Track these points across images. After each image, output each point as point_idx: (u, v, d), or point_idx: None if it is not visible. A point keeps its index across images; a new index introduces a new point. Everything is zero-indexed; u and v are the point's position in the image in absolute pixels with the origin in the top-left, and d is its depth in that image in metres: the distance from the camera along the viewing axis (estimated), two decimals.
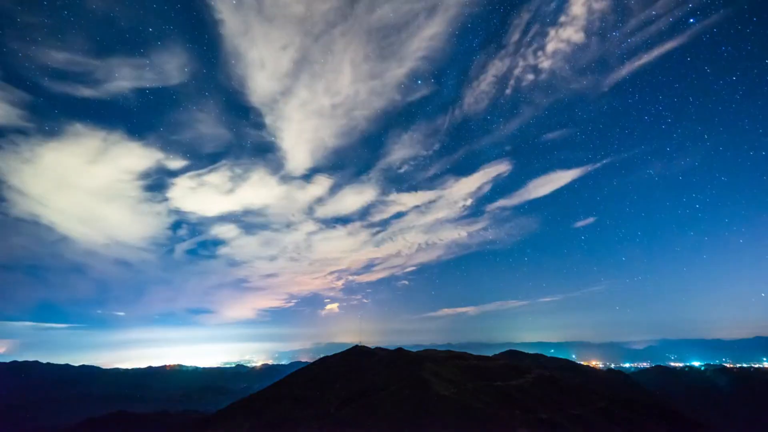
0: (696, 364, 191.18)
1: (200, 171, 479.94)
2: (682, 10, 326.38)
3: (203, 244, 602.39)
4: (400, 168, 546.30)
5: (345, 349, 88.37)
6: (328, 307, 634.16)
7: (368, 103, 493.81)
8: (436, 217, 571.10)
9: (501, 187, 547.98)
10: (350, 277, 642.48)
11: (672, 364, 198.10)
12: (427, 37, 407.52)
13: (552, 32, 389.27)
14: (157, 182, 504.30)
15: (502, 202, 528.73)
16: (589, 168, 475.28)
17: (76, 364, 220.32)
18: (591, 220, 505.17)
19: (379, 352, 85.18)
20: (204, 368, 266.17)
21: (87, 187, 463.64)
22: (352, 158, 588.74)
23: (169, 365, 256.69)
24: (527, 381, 62.87)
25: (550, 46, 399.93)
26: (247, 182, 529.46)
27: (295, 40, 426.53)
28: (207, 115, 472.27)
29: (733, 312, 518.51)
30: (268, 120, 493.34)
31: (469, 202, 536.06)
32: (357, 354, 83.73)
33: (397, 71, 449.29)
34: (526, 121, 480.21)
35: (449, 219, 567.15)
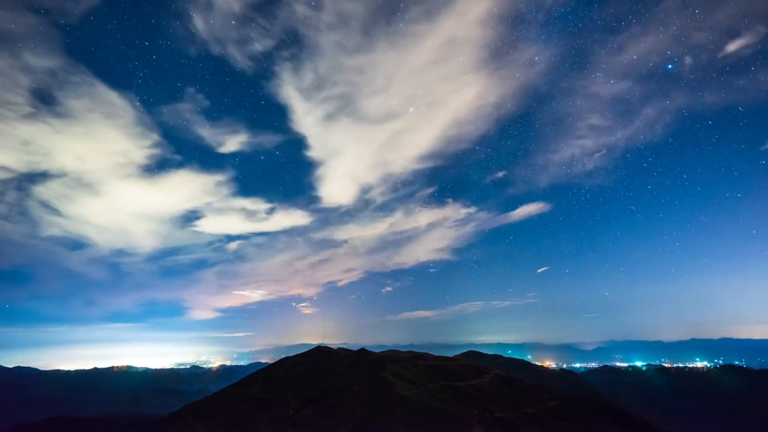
0: (639, 364, 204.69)
1: None
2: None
3: None
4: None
5: (307, 349, 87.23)
6: (295, 304, 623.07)
7: None
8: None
9: None
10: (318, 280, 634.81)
11: (618, 364, 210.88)
12: None
13: None
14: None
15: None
16: None
17: (10, 366, 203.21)
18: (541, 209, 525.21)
19: (341, 352, 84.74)
20: (156, 369, 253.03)
21: None
22: None
23: (117, 366, 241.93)
24: (485, 381, 64.75)
25: None
26: None
27: None
28: None
29: (672, 316, 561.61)
30: None
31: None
32: (319, 355, 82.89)
33: None
34: None
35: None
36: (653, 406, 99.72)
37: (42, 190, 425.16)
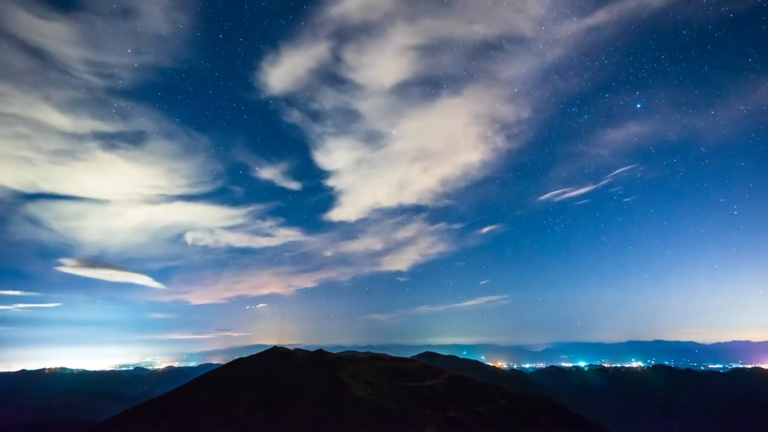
0: (582, 364, 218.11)
1: None
2: None
3: None
4: None
5: (263, 350, 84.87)
6: (249, 308, 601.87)
7: None
8: None
9: None
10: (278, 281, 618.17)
11: (563, 364, 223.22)
12: None
13: None
14: None
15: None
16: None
17: None
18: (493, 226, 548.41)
19: (298, 353, 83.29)
20: (94, 371, 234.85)
21: None
22: None
23: (50, 368, 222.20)
24: (440, 381, 66.32)
25: None
26: None
27: None
28: None
29: (612, 320, 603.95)
30: None
31: None
32: (275, 355, 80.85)
33: None
34: None
35: None
36: (592, 404, 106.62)
37: None
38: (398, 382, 63.30)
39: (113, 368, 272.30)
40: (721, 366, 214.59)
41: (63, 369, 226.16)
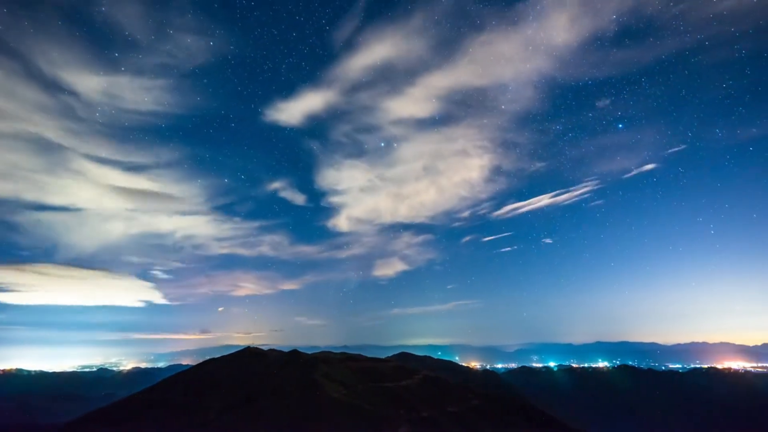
0: (552, 364, 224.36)
1: None
2: None
3: None
4: None
5: (235, 351, 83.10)
6: (221, 309, 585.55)
7: None
8: None
9: None
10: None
11: (534, 364, 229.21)
12: None
13: None
14: None
15: None
16: None
17: None
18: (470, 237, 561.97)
19: (272, 353, 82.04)
20: (54, 373, 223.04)
21: None
22: None
23: (5, 369, 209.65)
24: (414, 381, 66.80)
25: None
26: None
27: None
28: None
29: (581, 321, 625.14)
30: None
31: None
32: (248, 356, 79.33)
33: None
34: None
35: None
36: (561, 403, 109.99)
37: None
38: (372, 382, 63.38)
39: (75, 369, 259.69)
40: (680, 366, 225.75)
41: (19, 370, 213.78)
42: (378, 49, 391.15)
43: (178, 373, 74.88)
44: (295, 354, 78.66)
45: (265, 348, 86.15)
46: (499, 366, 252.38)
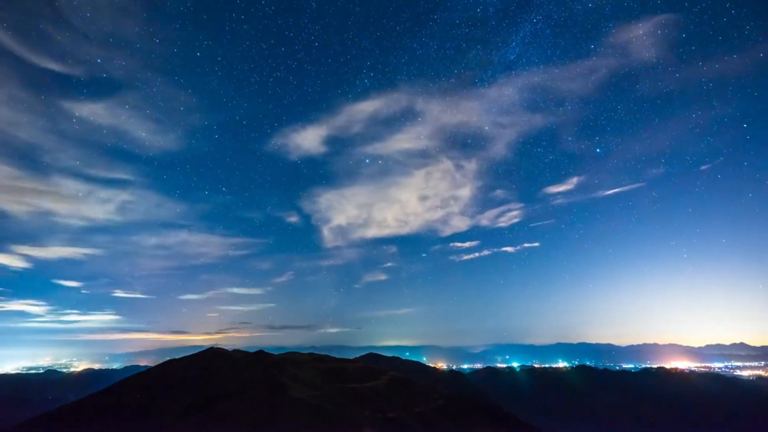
0: (515, 365, 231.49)
1: None
2: None
3: None
4: None
5: (198, 351, 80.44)
6: (187, 307, 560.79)
7: None
8: None
9: None
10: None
11: (498, 365, 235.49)
12: None
13: None
14: None
15: None
16: None
17: None
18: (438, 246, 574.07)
19: (236, 354, 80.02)
20: None
21: None
22: None
23: None
24: (381, 382, 67.15)
25: None
26: None
27: None
28: None
29: (543, 322, 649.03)
30: None
31: None
32: (211, 357, 76.98)
33: None
34: None
35: None
36: (522, 402, 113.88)
37: None
38: (339, 383, 63.18)
39: (19, 371, 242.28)
40: (633, 366, 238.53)
41: None
42: None
43: (135, 375, 71.62)
44: (261, 355, 77.21)
45: (229, 349, 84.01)
46: (465, 366, 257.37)
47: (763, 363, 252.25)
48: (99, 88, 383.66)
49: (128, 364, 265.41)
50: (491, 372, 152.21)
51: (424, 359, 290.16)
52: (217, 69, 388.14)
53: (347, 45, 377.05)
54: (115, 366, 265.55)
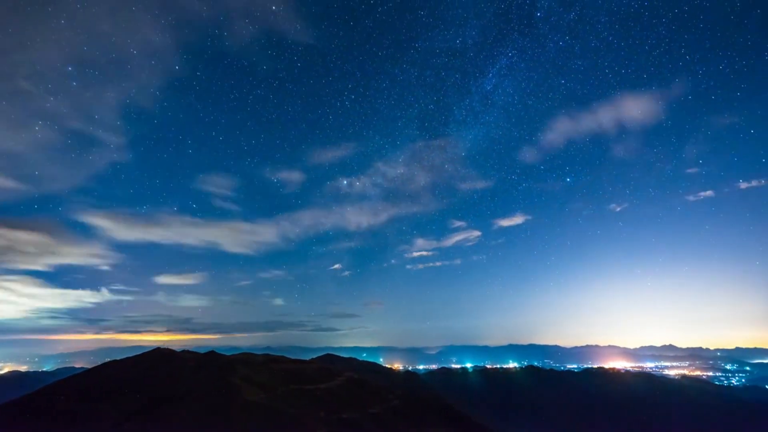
0: (468, 365, 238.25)
1: None
2: None
3: None
4: None
5: (142, 352, 75.73)
6: (130, 302, 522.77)
7: None
8: None
9: None
10: None
11: (453, 366, 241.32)
12: None
13: None
14: None
15: None
16: None
17: None
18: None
19: (185, 355, 76.16)
20: None
21: None
22: None
23: None
24: (337, 383, 66.75)
25: None
26: None
27: None
28: None
29: (496, 324, 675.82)
30: None
31: None
32: (156, 358, 72.73)
33: None
34: None
35: None
36: (474, 402, 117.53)
37: None
38: (294, 385, 62.06)
39: None
40: (576, 366, 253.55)
41: None
42: None
43: (69, 377, 66.24)
44: (211, 355, 74.10)
45: (177, 349, 79.88)
46: (421, 367, 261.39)
47: (687, 363, 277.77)
48: None
49: (62, 366, 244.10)
50: (446, 372, 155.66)
51: (381, 360, 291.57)
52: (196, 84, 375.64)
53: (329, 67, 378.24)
54: (47, 368, 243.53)
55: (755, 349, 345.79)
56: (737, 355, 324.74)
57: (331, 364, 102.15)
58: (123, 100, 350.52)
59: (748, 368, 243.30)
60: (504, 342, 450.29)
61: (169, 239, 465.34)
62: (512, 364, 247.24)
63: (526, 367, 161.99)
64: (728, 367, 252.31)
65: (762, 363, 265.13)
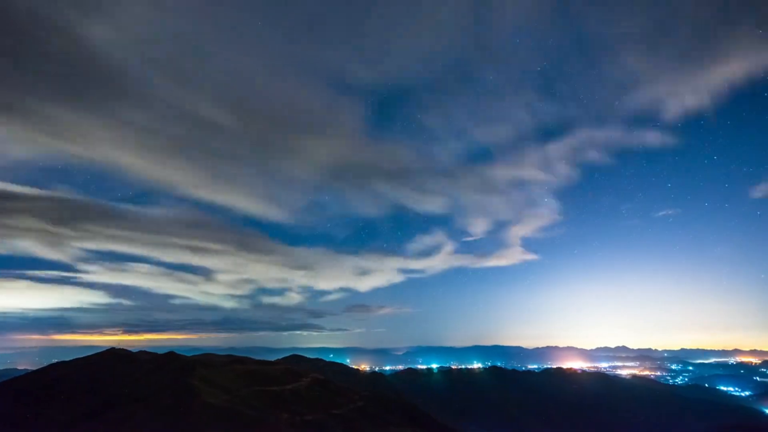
0: (434, 366, 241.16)
1: None
2: None
3: None
4: None
5: (94, 353, 71.73)
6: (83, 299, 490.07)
7: None
8: None
9: None
10: None
11: (419, 366, 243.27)
12: None
13: None
14: None
15: None
16: None
17: None
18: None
19: (142, 356, 72.89)
20: None
21: None
22: None
23: None
24: (302, 384, 65.97)
25: None
26: None
27: None
28: None
29: (461, 326, 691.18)
30: None
31: None
32: (110, 359, 69.12)
33: None
34: None
35: None
36: (438, 402, 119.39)
37: None
38: (258, 386, 60.81)
39: None
40: (537, 366, 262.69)
41: None
42: None
43: (10, 380, 61.86)
44: (171, 357, 71.16)
45: (133, 350, 76.30)
46: (387, 368, 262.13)
47: (638, 363, 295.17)
48: None
49: (2, 368, 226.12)
50: (411, 373, 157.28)
51: (348, 361, 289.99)
52: None
53: None
54: None
55: (698, 350, 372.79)
56: (682, 356, 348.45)
57: (298, 365, 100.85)
58: None
59: (690, 368, 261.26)
60: (469, 343, 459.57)
61: None
62: (476, 365, 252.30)
63: (490, 367, 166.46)
64: (673, 367, 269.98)
65: (703, 363, 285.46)
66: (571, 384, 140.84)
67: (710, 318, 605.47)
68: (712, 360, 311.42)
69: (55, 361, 71.75)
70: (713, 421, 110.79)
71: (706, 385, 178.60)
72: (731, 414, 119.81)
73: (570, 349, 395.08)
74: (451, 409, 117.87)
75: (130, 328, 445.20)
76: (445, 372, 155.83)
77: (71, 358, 70.09)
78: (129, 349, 76.03)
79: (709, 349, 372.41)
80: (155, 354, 75.35)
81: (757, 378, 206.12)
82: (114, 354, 71.20)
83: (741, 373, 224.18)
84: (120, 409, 48.01)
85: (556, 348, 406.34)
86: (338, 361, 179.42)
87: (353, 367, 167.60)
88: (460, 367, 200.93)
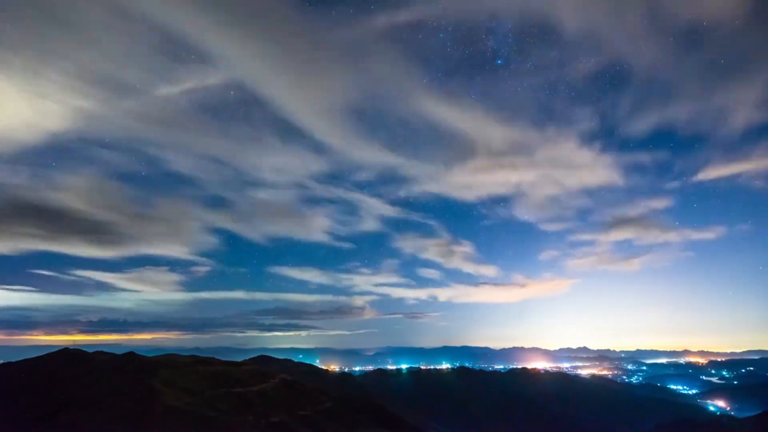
0: (404, 367, 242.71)
1: None
2: None
3: None
4: None
5: (48, 353, 67.94)
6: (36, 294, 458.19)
7: None
8: None
9: None
10: None
11: (389, 367, 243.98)
12: None
13: None
14: None
15: None
16: None
17: None
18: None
19: (99, 357, 69.67)
20: None
21: None
22: None
23: None
24: (269, 386, 65.13)
25: None
26: None
27: None
28: None
29: (431, 327, 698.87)
30: None
31: None
32: (64, 359, 65.66)
33: None
34: None
35: None
36: (407, 402, 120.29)
37: None
38: (223, 388, 59.51)
39: None
40: (503, 367, 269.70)
41: None
42: None
43: None
44: (130, 357, 68.42)
45: (89, 350, 72.83)
46: (357, 369, 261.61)
47: (597, 363, 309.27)
48: None
49: None
50: (381, 374, 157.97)
51: (317, 361, 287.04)
52: None
53: None
54: None
55: (652, 350, 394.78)
56: (637, 356, 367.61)
57: (265, 365, 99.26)
58: None
59: (644, 368, 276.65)
60: (439, 344, 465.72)
61: None
62: (445, 365, 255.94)
63: (458, 368, 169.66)
64: (629, 366, 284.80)
65: (656, 363, 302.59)
66: (534, 383, 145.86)
67: (663, 321, 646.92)
68: (664, 360, 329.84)
69: (1, 362, 67.21)
70: (663, 417, 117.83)
71: (658, 384, 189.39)
72: (679, 410, 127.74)
73: (535, 350, 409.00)
74: (418, 408, 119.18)
75: (87, 327, 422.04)
76: (414, 372, 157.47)
77: (20, 359, 66.18)
78: (84, 349, 72.55)
79: (661, 349, 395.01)
80: (113, 354, 72.18)
81: (704, 377, 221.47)
82: (68, 354, 67.75)
83: (689, 372, 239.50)
84: (74, 413, 45.82)
85: (521, 349, 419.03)
86: (308, 361, 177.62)
87: (322, 367, 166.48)
88: (429, 367, 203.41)
